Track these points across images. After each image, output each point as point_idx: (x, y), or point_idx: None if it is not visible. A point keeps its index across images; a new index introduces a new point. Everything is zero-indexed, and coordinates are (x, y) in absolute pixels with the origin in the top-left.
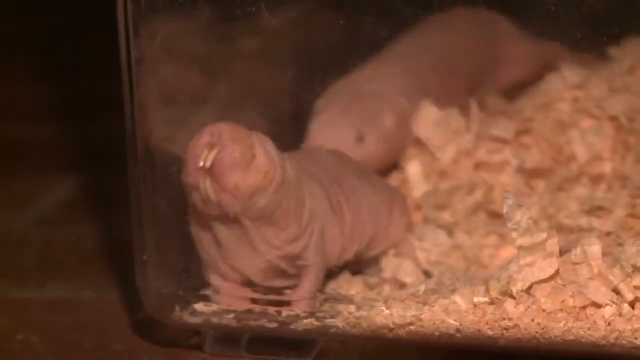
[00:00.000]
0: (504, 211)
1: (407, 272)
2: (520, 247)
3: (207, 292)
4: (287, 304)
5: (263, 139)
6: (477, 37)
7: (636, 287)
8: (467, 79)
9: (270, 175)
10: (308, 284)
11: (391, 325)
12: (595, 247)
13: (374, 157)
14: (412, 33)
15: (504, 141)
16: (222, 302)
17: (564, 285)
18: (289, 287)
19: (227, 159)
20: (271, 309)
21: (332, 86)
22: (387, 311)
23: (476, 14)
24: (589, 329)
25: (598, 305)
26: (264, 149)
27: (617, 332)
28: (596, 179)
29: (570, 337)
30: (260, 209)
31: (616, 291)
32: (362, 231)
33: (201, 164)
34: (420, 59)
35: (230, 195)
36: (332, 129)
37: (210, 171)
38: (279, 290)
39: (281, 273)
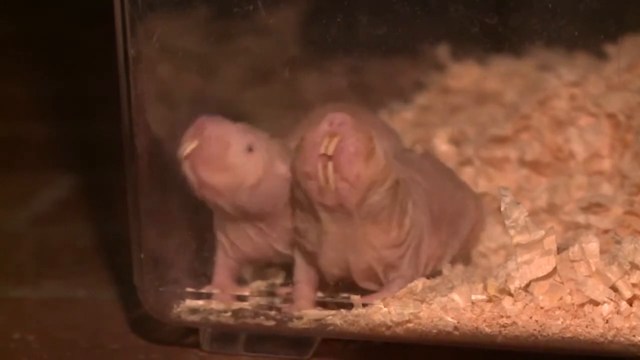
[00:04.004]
0: (502, 208)
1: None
2: (518, 245)
3: (205, 290)
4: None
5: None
6: None
7: (634, 285)
8: None
9: (386, 170)
10: (386, 292)
11: (389, 323)
12: (593, 245)
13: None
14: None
15: (503, 139)
16: (296, 306)
17: (562, 283)
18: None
19: (351, 147)
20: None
21: None
22: (385, 309)
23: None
24: (587, 327)
25: (596, 303)
26: (380, 144)
27: (615, 329)
28: (594, 177)
29: (568, 335)
30: (371, 205)
31: (614, 289)
32: (459, 237)
33: (322, 151)
34: None
35: (349, 185)
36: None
37: (331, 159)
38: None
39: (376, 278)
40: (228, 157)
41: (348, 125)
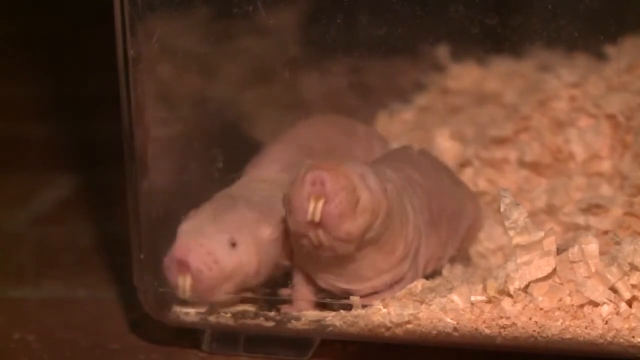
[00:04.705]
0: (501, 210)
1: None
2: (517, 246)
3: None
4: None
5: (362, 170)
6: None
7: (633, 286)
8: None
9: (376, 210)
10: (386, 292)
11: (388, 324)
12: (592, 246)
13: (248, 263)
14: (285, 137)
15: (503, 140)
16: (296, 307)
17: (562, 284)
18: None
19: (335, 210)
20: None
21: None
22: (385, 310)
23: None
24: (586, 328)
25: (595, 304)
26: (365, 185)
27: (615, 330)
28: (594, 178)
29: (568, 336)
30: (369, 240)
31: (613, 290)
32: (457, 236)
33: (310, 217)
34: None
35: (342, 242)
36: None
37: (320, 224)
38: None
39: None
40: (223, 271)
41: (328, 184)
